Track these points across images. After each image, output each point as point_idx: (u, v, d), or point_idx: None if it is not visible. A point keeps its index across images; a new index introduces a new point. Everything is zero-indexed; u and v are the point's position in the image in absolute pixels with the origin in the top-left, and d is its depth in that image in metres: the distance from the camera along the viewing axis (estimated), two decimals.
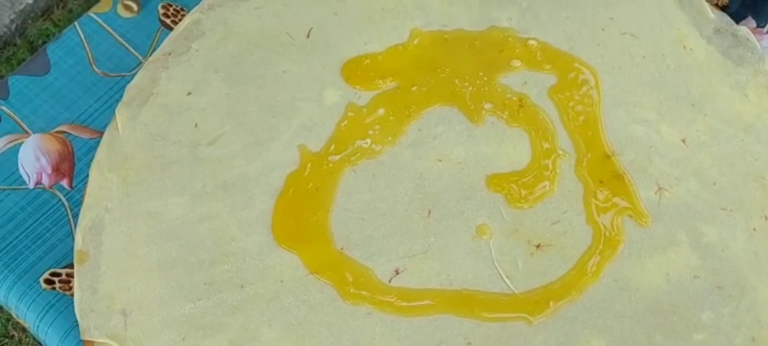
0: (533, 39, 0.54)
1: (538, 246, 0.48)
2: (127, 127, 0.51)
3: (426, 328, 0.45)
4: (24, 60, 1.30)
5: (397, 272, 0.47)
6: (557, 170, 0.50)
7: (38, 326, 0.52)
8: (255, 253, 0.47)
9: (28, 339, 1.13)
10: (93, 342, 0.45)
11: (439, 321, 0.45)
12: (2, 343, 1.13)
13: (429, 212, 0.49)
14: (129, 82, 0.58)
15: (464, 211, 0.49)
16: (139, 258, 0.47)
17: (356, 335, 0.45)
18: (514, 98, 0.52)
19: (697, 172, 0.50)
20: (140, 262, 0.47)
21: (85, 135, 0.58)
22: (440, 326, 0.45)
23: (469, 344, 0.45)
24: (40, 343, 1.10)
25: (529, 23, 0.55)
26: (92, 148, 0.56)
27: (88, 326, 0.45)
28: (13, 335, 1.14)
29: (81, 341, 0.47)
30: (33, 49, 1.28)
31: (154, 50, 0.60)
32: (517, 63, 0.53)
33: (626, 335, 0.45)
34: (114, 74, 0.60)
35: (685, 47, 0.55)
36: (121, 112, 0.51)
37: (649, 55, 0.54)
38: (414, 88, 0.52)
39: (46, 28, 1.31)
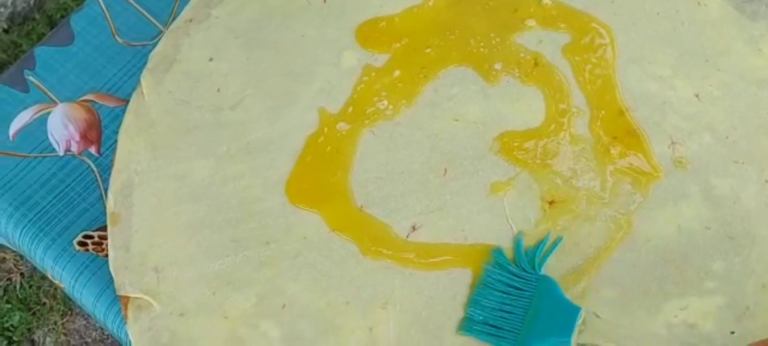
0: None
1: (551, 202, 0.49)
2: (152, 93, 0.52)
3: (442, 280, 0.47)
4: (43, 34, 1.32)
5: (414, 228, 0.49)
6: (571, 128, 0.51)
7: (74, 286, 0.54)
8: (279, 212, 0.49)
9: (58, 306, 1.18)
10: (128, 297, 0.48)
11: (453, 274, 0.47)
12: (34, 310, 1.18)
13: (445, 171, 0.50)
14: (151, 50, 0.60)
15: (479, 169, 0.50)
16: (168, 218, 0.49)
17: (377, 288, 0.47)
18: (529, 57, 0.53)
19: (710, 126, 0.51)
20: (170, 221, 0.49)
21: (111, 103, 0.60)
22: (455, 279, 0.47)
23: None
24: (70, 307, 1.14)
25: None
26: (118, 116, 0.58)
27: (123, 283, 0.48)
28: (44, 303, 1.18)
29: (116, 298, 0.50)
30: (52, 23, 1.30)
31: (173, 19, 0.62)
32: (531, 22, 0.54)
33: (637, 285, 0.46)
34: (136, 43, 0.61)
35: (699, 3, 0.55)
36: (146, 79, 0.53)
37: (663, 11, 0.54)
38: (429, 50, 0.53)
39: (65, 2, 1.32)
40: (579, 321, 0.43)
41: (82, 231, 0.55)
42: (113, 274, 0.48)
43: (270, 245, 0.48)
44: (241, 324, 0.46)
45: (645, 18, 0.54)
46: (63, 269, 0.54)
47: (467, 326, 0.45)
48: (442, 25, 0.54)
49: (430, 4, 0.55)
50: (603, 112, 0.51)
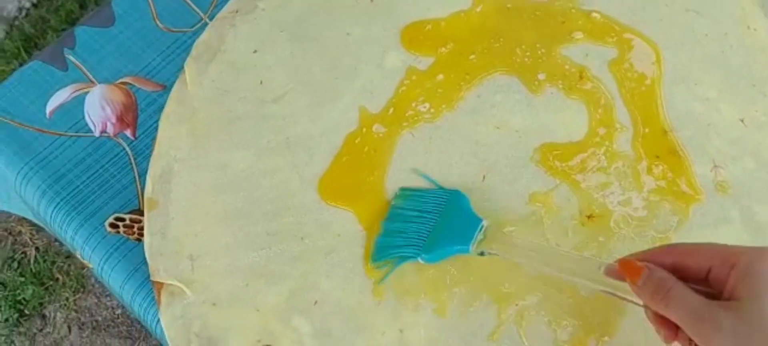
0: (596, 11, 0.54)
1: (589, 217, 0.49)
2: (195, 81, 0.52)
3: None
4: (72, 10, 1.33)
5: None
6: (613, 143, 0.50)
7: (102, 268, 0.54)
8: (314, 208, 0.49)
9: (71, 283, 1.18)
10: (162, 283, 0.48)
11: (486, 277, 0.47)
12: (47, 285, 1.18)
13: (483, 177, 0.50)
14: (191, 38, 0.60)
15: (518, 178, 0.50)
16: (205, 207, 0.49)
17: (409, 290, 0.46)
18: (574, 70, 0.53)
19: (755, 152, 0.51)
20: (207, 210, 0.49)
21: (148, 87, 0.60)
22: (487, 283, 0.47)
23: (516, 305, 0.46)
24: (82, 284, 1.14)
25: None
26: (155, 100, 0.58)
27: (157, 268, 0.48)
28: (57, 278, 1.19)
29: (144, 281, 0.50)
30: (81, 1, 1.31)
31: (215, 7, 0.62)
32: (579, 35, 0.53)
33: None
34: (176, 30, 0.62)
35: (749, 27, 0.54)
36: (190, 67, 0.53)
37: (711, 33, 0.54)
38: (474, 56, 0.53)
39: None
40: (479, 232, 0.45)
41: (113, 213, 0.55)
42: (148, 259, 0.48)
43: (304, 240, 0.48)
44: (273, 318, 0.46)
45: (693, 39, 0.54)
46: (93, 250, 0.54)
47: (376, 255, 0.47)
48: (488, 31, 0.54)
49: (478, 10, 0.54)
50: (646, 130, 0.51)
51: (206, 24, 0.60)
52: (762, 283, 0.33)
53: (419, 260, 0.46)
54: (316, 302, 0.46)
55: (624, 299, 0.39)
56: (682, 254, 0.37)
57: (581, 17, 0.54)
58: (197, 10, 0.62)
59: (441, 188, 0.48)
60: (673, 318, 0.35)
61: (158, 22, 0.62)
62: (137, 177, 0.56)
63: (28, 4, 1.34)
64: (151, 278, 0.48)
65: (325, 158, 0.50)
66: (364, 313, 0.46)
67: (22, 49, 1.29)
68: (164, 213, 0.49)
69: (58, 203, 0.55)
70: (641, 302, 0.38)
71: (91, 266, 0.55)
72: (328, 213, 0.49)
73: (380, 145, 0.51)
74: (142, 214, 0.54)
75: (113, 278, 0.53)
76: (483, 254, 0.45)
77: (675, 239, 0.48)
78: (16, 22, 1.33)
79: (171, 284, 0.47)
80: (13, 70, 1.28)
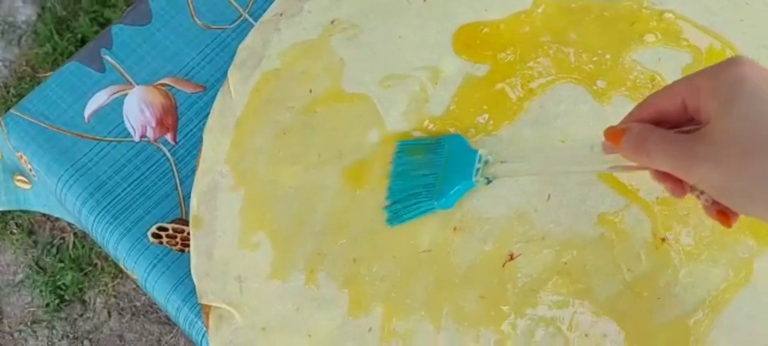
0: (670, 11, 0.50)
1: (663, 239, 0.45)
2: (239, 90, 0.50)
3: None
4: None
5: (511, 257, 0.46)
6: None
7: (146, 280, 0.53)
8: (368, 227, 0.46)
9: (109, 268, 1.19)
10: (210, 306, 0.46)
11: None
12: (86, 270, 1.19)
13: (548, 196, 0.47)
14: (230, 35, 0.57)
15: (587, 198, 0.46)
16: (253, 226, 0.47)
17: (469, 319, 0.44)
18: (646, 76, 0.49)
19: None
20: (255, 229, 0.47)
21: (188, 89, 0.57)
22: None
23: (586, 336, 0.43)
24: (121, 270, 1.14)
25: None
26: (195, 102, 0.56)
27: (204, 291, 0.46)
28: (96, 263, 1.19)
29: (189, 293, 0.48)
30: None
31: (255, 2, 0.59)
32: (650, 37, 0.49)
33: (756, 338, 0.43)
34: (215, 27, 0.59)
35: None
36: (233, 75, 0.50)
37: None
38: (536, 61, 0.49)
39: None
40: (479, 162, 0.45)
41: (156, 222, 0.53)
42: (195, 281, 0.47)
43: (357, 262, 0.46)
44: (326, 345, 0.44)
45: None
46: (135, 262, 0.53)
47: (391, 218, 0.46)
48: (551, 35, 0.50)
49: (540, 10, 0.50)
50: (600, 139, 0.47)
51: (246, 20, 0.58)
52: (725, 93, 0.31)
53: (436, 208, 0.46)
54: (370, 329, 0.44)
55: (630, 169, 0.37)
56: (658, 101, 0.35)
57: (653, 18, 0.50)
58: (237, 6, 0.59)
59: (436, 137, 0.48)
60: (659, 166, 0.34)
61: (196, 19, 0.59)
62: (179, 184, 0.54)
63: None
64: (199, 301, 0.46)
65: (378, 173, 0.48)
66: (421, 341, 0.44)
67: (54, 32, 1.28)
68: (211, 232, 0.47)
69: (100, 213, 0.54)
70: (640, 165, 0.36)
71: (135, 276, 0.54)
72: (382, 233, 0.47)
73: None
74: (184, 223, 0.52)
75: (158, 290, 0.52)
76: (489, 181, 0.45)
77: (757, 263, 0.44)
78: (48, 4, 1.31)
79: (219, 307, 0.45)
80: (46, 53, 1.27)
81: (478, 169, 0.45)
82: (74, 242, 1.20)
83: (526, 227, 0.46)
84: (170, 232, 0.54)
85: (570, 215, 0.46)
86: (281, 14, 0.51)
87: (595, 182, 0.47)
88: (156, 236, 0.53)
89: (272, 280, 0.46)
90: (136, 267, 0.53)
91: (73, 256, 1.19)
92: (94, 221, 0.54)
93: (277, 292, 0.45)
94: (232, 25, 0.58)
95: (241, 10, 0.59)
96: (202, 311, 0.46)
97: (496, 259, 0.45)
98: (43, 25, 1.29)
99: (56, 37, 1.28)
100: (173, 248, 0.53)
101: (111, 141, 0.56)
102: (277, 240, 0.46)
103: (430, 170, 0.46)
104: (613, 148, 0.37)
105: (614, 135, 0.36)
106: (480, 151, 0.45)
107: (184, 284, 0.51)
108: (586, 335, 0.44)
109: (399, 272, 0.45)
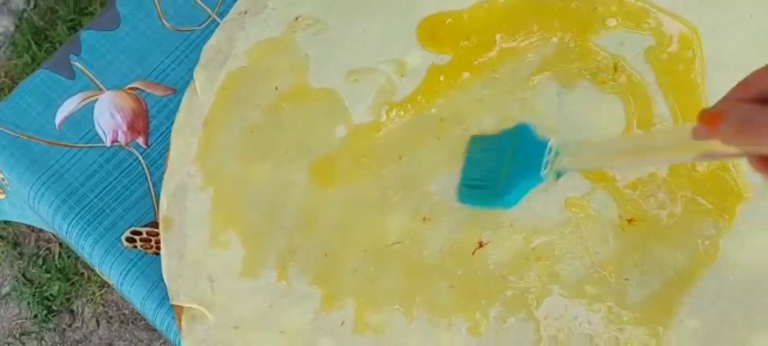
0: None
1: (630, 221, 0.46)
2: (205, 90, 0.50)
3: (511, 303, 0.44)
4: (78, 1, 1.30)
5: (481, 245, 0.46)
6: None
7: (122, 285, 0.53)
8: (338, 222, 0.47)
9: (96, 277, 1.18)
10: (182, 307, 0.46)
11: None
12: (73, 280, 1.18)
13: None
14: (199, 36, 0.57)
15: (552, 184, 0.46)
16: (223, 225, 0.47)
17: (442, 308, 0.44)
18: (609, 61, 0.49)
19: None
20: (225, 228, 0.47)
21: (158, 92, 0.57)
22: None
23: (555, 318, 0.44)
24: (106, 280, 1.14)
25: None
26: (165, 105, 0.56)
27: (176, 292, 0.46)
28: (83, 273, 1.19)
29: (165, 297, 0.48)
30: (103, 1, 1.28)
31: (223, 2, 0.59)
32: (612, 22, 0.50)
33: (723, 315, 0.43)
34: (184, 28, 0.59)
35: None
36: (199, 74, 0.50)
37: (756, 13, 0.50)
38: (500, 50, 0.50)
39: None
40: (548, 155, 0.41)
41: (129, 226, 0.53)
42: (166, 282, 0.47)
43: (328, 257, 0.46)
44: (299, 340, 0.44)
45: (736, 20, 0.50)
46: (111, 267, 0.53)
47: (460, 196, 0.45)
48: (514, 22, 0.50)
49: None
50: (688, 123, 0.47)
51: (215, 21, 0.58)
52: None
53: (499, 207, 0.44)
54: (343, 323, 0.44)
55: (724, 156, 0.34)
56: (761, 78, 0.32)
57: (615, 2, 0.50)
58: (204, 6, 0.60)
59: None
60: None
61: (165, 22, 0.59)
62: (151, 187, 0.54)
63: None
64: (171, 302, 0.46)
65: (348, 167, 0.48)
66: (395, 332, 0.44)
67: (32, 42, 1.27)
68: (181, 233, 0.47)
69: (73, 219, 0.54)
70: (739, 151, 0.32)
71: (111, 282, 0.54)
72: (352, 227, 0.47)
73: (405, 151, 0.48)
74: (158, 226, 0.52)
75: (134, 294, 0.52)
76: (560, 176, 0.41)
77: (723, 241, 0.45)
78: (25, 15, 1.31)
79: (191, 308, 0.45)
80: (25, 63, 1.26)
81: (547, 163, 0.41)
82: (60, 253, 1.20)
83: (493, 214, 0.46)
84: (144, 235, 0.54)
85: (537, 201, 0.46)
86: (245, 12, 0.51)
87: None
88: (130, 240, 0.53)
89: (244, 278, 0.46)
90: (111, 272, 0.53)
91: (59, 266, 1.19)
92: (68, 227, 0.54)
93: (249, 290, 0.45)
94: (201, 26, 0.58)
95: (209, 10, 0.59)
96: (175, 312, 0.46)
97: (466, 247, 0.46)
98: (20, 36, 1.29)
99: (34, 47, 1.27)
100: (148, 251, 0.53)
101: (82, 147, 0.56)
102: (248, 238, 0.47)
103: (497, 162, 0.43)
104: (707, 132, 0.33)
105: (711, 118, 0.32)
106: (550, 142, 0.41)
107: (160, 287, 0.51)
108: (556, 318, 0.44)
109: (370, 264, 0.46)
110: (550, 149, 0.41)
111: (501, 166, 0.43)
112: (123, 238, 0.53)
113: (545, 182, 0.41)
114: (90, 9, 1.28)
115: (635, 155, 0.38)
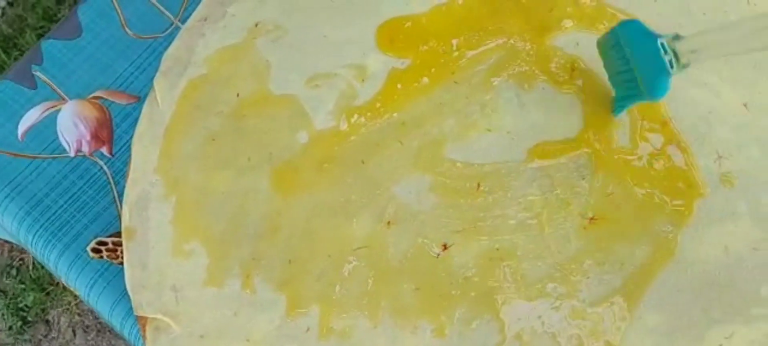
0: None
1: (591, 219, 0.46)
2: (166, 98, 0.49)
3: (475, 305, 0.45)
4: (48, 7, 1.28)
5: (445, 247, 0.46)
6: (611, 139, 0.48)
7: (89, 295, 0.52)
8: (302, 228, 0.47)
9: None
10: (146, 318, 0.46)
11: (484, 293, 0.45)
12: (48, 290, 1.17)
13: (478, 186, 0.47)
14: (162, 44, 0.57)
15: (513, 184, 0.47)
16: (186, 234, 0.47)
17: (407, 311, 0.45)
18: (566, 62, 0.49)
19: (759, 138, 0.48)
20: (188, 237, 0.47)
21: (122, 100, 0.57)
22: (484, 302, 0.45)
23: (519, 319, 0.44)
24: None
25: None
26: (129, 114, 0.56)
27: (140, 303, 0.46)
28: (58, 283, 1.17)
29: (132, 311, 0.48)
30: None
31: (185, 9, 0.58)
32: (568, 23, 0.50)
33: (682, 310, 0.44)
34: (147, 36, 0.58)
35: (748, 2, 0.51)
36: (160, 83, 0.50)
37: (710, 11, 0.51)
38: (458, 52, 0.50)
39: None
40: (666, 54, 0.42)
41: (95, 237, 0.53)
42: (130, 293, 0.46)
43: (293, 263, 0.46)
44: None
45: (690, 19, 0.51)
46: (77, 278, 0.53)
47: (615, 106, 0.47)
48: (473, 25, 0.50)
49: (460, 2, 0.51)
50: (644, 122, 0.48)
51: (178, 28, 0.57)
52: None
53: (647, 100, 0.45)
54: (308, 329, 0.44)
55: None
56: None
57: (570, 4, 0.51)
58: (168, 13, 0.59)
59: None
60: None
61: (127, 30, 0.59)
62: (117, 197, 0.54)
63: (3, 3, 1.30)
64: (135, 313, 0.46)
65: (311, 172, 0.48)
66: (360, 338, 0.44)
67: (1, 51, 1.26)
68: (143, 242, 0.47)
69: (37, 231, 0.53)
70: None
71: (79, 293, 0.53)
72: (316, 233, 0.47)
73: (368, 156, 0.48)
74: None
75: (101, 304, 0.52)
76: (687, 65, 0.42)
77: (681, 237, 0.46)
78: None
79: (156, 318, 0.45)
80: None
81: (669, 61, 0.42)
82: (34, 263, 1.18)
83: (457, 217, 0.46)
84: (110, 246, 0.53)
85: (499, 202, 0.47)
86: (205, 19, 0.51)
87: (523, 165, 0.47)
88: (96, 250, 0.53)
89: (208, 287, 0.46)
90: (77, 283, 0.53)
91: (33, 276, 1.18)
92: (32, 239, 0.54)
93: (214, 299, 0.45)
94: (164, 33, 0.58)
95: (172, 17, 0.59)
96: (139, 323, 0.46)
97: (430, 250, 0.46)
98: None
99: (3, 55, 1.25)
100: (114, 261, 0.53)
101: (46, 158, 0.56)
102: (211, 247, 0.46)
103: (623, 65, 0.45)
104: None
105: None
106: (660, 39, 0.43)
107: (127, 297, 0.50)
108: (520, 318, 0.44)
109: (334, 270, 0.46)
110: (664, 47, 0.42)
111: (629, 66, 0.44)
112: (89, 248, 0.53)
113: (673, 73, 0.42)
114: (59, 16, 1.27)
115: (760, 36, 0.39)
